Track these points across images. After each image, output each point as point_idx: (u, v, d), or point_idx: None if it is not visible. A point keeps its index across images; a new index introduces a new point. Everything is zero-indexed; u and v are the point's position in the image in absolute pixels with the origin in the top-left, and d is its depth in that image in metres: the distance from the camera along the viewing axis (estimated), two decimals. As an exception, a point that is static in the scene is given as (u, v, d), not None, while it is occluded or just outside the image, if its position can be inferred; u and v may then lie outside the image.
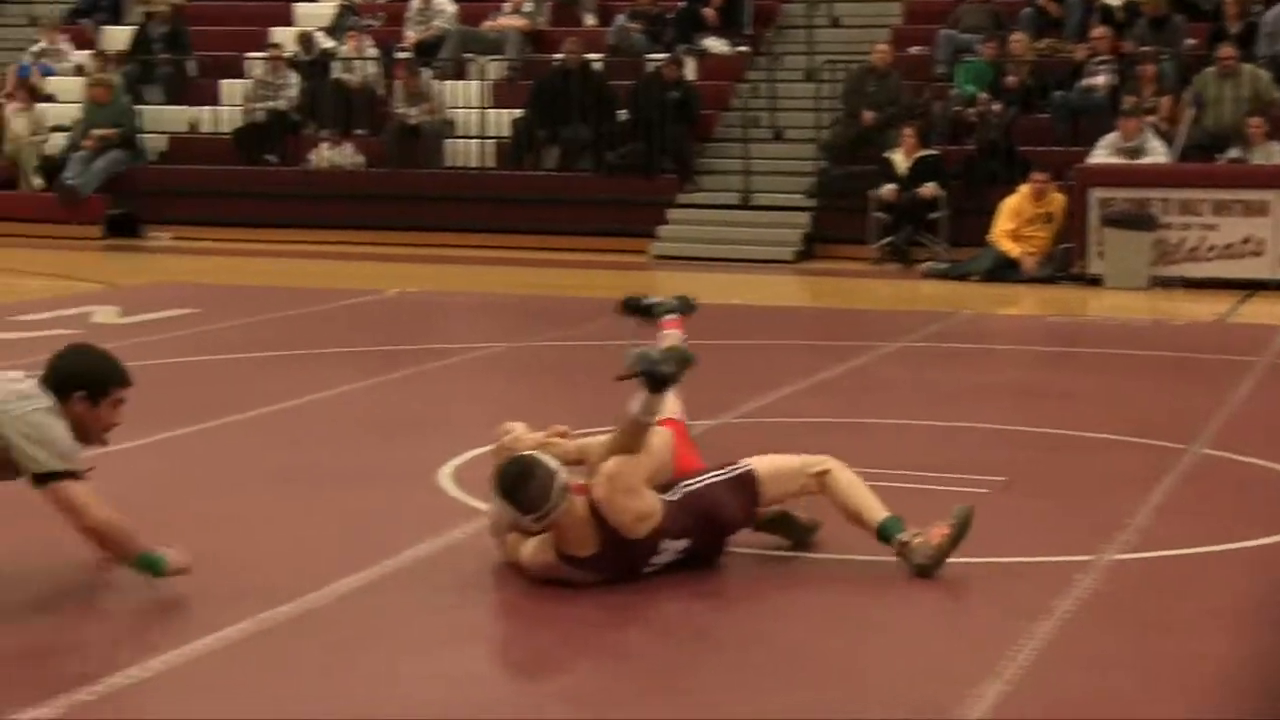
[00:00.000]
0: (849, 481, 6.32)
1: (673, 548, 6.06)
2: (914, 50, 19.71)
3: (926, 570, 6.07)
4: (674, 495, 6.05)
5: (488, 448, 6.67)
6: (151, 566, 5.70)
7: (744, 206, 18.64)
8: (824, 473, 6.30)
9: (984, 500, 7.40)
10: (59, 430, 5.64)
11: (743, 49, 20.45)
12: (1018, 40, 18.60)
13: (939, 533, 6.16)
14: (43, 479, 5.59)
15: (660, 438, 6.16)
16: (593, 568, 5.90)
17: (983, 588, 6.19)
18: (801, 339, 12.99)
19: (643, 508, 5.92)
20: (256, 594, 5.82)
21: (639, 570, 6.00)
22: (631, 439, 6.03)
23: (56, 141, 20.47)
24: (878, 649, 5.45)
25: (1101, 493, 7.64)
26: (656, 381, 6.02)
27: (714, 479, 6.19)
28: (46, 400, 5.67)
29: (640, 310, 7.51)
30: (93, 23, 22.75)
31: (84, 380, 5.78)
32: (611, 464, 5.93)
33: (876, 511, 6.26)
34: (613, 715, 4.90)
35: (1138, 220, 15.90)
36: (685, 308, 7.51)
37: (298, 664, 5.29)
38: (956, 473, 7.80)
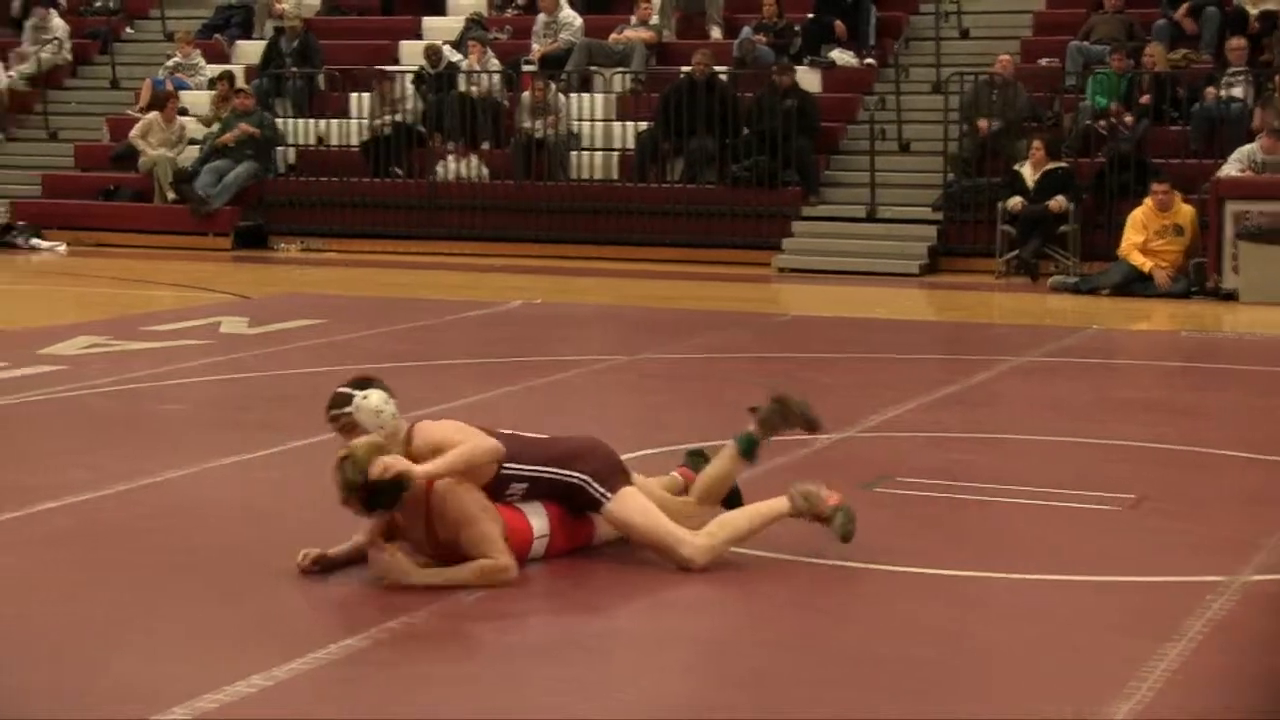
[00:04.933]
0: None
1: None
2: (1044, 62, 19.51)
3: None
4: None
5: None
6: None
7: (870, 219, 18.54)
8: None
9: (1113, 518, 7.31)
10: None
11: (870, 61, 20.35)
12: (1151, 53, 18.35)
13: None
14: None
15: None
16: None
17: (1112, 608, 6.09)
18: (927, 353, 12.88)
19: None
20: (395, 598, 5.88)
21: None
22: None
23: (190, 154, 20.75)
24: (1005, 670, 5.38)
25: (1235, 512, 7.50)
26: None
27: None
28: None
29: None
30: (226, 37, 23.05)
31: None
32: None
33: None
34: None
35: (1274, 234, 15.64)
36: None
37: (429, 670, 5.32)
38: (1084, 489, 7.69)
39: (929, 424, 9.39)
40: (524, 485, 6.29)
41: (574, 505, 6.37)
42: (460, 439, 6.14)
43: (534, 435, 6.47)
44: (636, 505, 6.30)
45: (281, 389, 10.56)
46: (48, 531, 6.97)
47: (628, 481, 6.37)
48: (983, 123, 18.17)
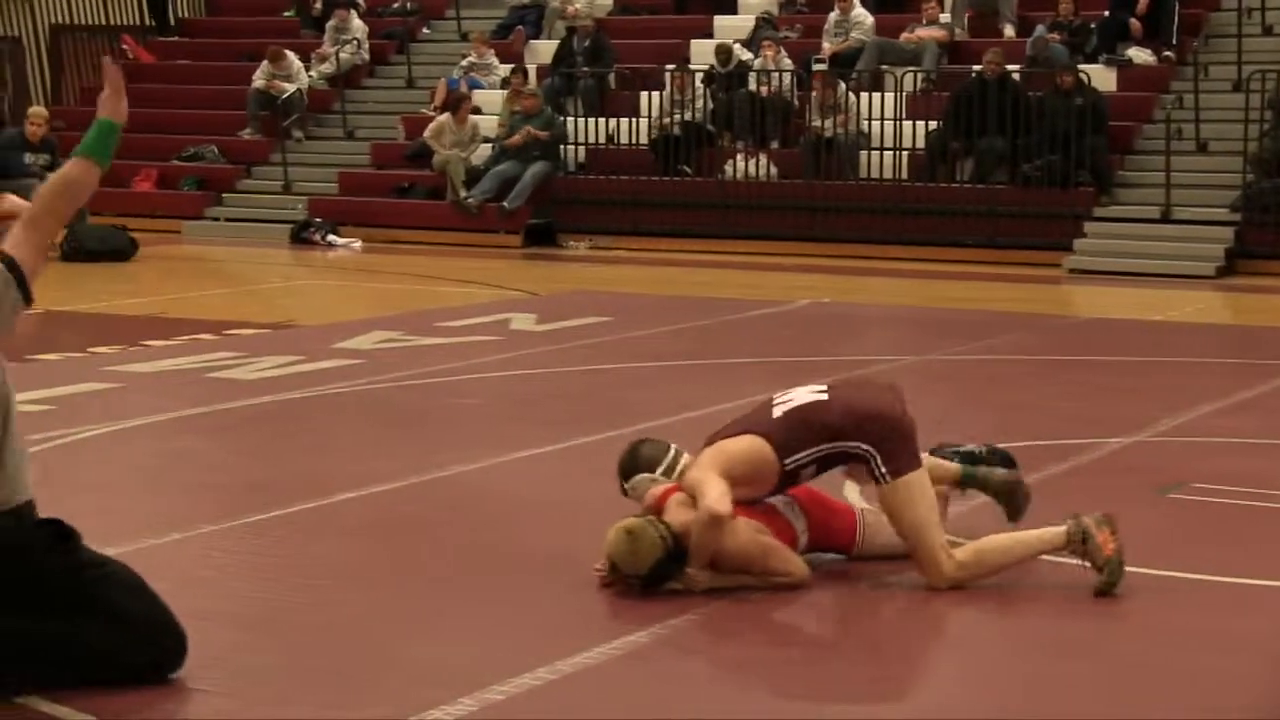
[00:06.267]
0: None
1: None
2: (1354, 58, 18.87)
3: None
4: None
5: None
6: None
7: (1164, 220, 18.12)
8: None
9: None
10: None
11: (1168, 55, 19.87)
12: None
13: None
14: None
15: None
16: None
17: None
18: (1222, 356, 12.52)
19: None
20: (679, 595, 5.94)
21: None
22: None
23: (484, 152, 21.14)
24: (1241, 667, 5.23)
25: None
26: None
27: None
28: None
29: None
30: (521, 35, 23.41)
31: None
32: None
33: None
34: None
35: None
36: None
37: (710, 668, 5.34)
38: (1390, 501, 7.43)
39: (1225, 429, 9.14)
40: (812, 468, 6.17)
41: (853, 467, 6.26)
42: (697, 491, 6.05)
43: (813, 399, 6.22)
44: (920, 500, 6.05)
45: (568, 385, 10.70)
46: (348, 521, 7.16)
47: (916, 464, 6.11)
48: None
